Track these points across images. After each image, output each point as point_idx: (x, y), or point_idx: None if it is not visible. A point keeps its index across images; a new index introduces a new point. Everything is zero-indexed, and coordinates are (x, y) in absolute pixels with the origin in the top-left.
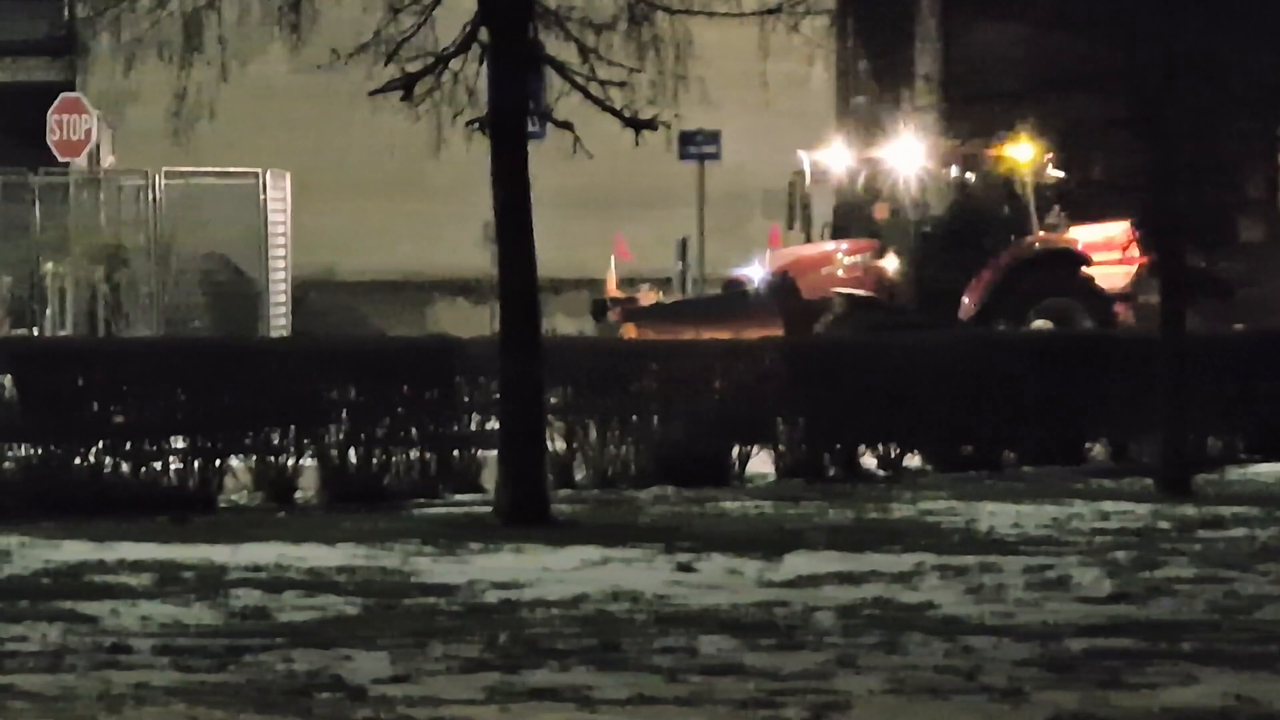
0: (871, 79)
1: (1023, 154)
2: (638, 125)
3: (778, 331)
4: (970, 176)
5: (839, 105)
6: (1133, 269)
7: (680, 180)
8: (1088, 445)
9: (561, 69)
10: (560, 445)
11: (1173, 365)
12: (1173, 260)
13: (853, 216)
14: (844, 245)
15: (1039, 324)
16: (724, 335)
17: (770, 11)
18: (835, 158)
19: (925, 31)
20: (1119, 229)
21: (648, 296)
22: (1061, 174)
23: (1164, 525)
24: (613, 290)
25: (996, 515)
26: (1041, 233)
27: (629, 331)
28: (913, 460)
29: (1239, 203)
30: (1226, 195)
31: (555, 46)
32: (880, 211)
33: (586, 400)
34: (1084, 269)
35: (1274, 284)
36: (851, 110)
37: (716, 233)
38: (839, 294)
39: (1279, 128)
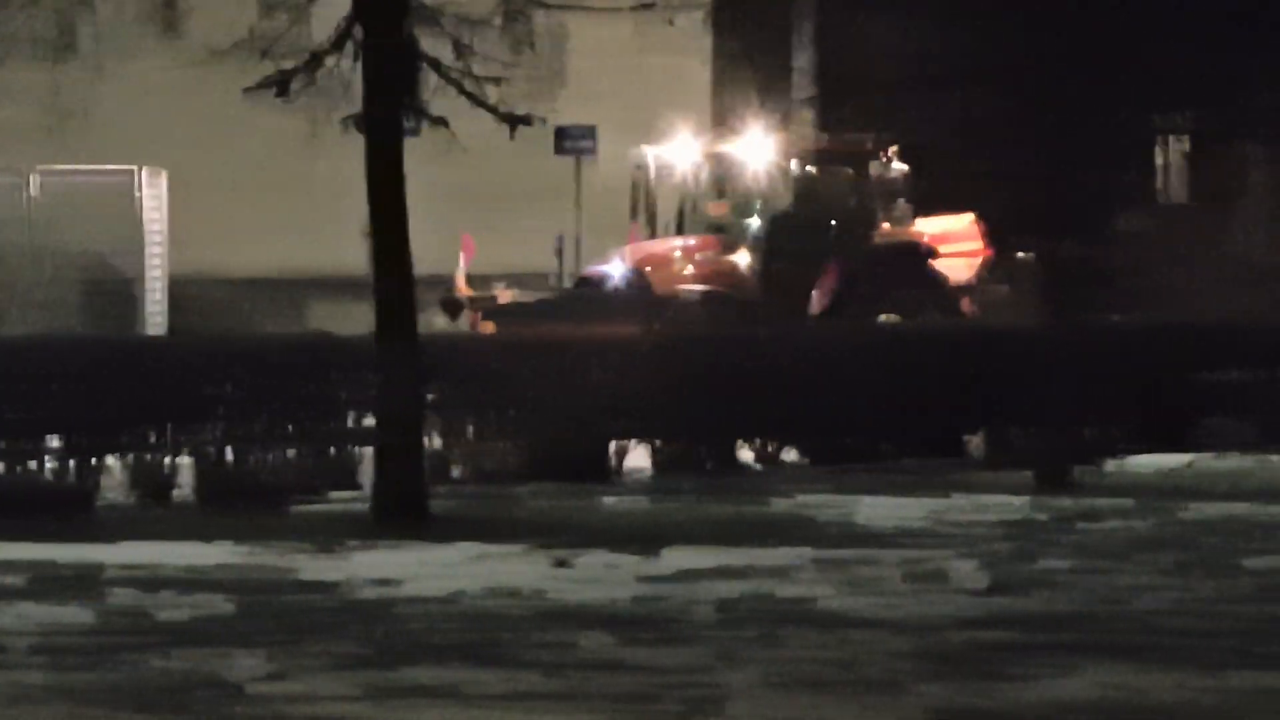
0: (748, 73)
1: (868, 148)
2: (512, 121)
3: (634, 328)
4: (818, 170)
5: (715, 99)
6: (977, 261)
7: (559, 176)
8: (966, 438)
9: (437, 65)
10: (438, 442)
11: (1051, 357)
12: (1051, 252)
13: (697, 212)
14: (692, 241)
15: (886, 318)
16: (582, 332)
17: (646, 6)
18: (679, 152)
19: (802, 25)
20: (963, 221)
21: (504, 295)
22: (905, 167)
23: (1042, 517)
24: (463, 289)
25: (874, 508)
26: (887, 226)
27: (487, 329)
28: (790, 454)
29: (1118, 193)
30: (1106, 186)
31: (431, 43)
32: (718, 208)
33: (464, 396)
34: (931, 261)
35: (1154, 274)
36: (725, 103)
37: (595, 228)
38: (692, 290)
39: (1157, 118)
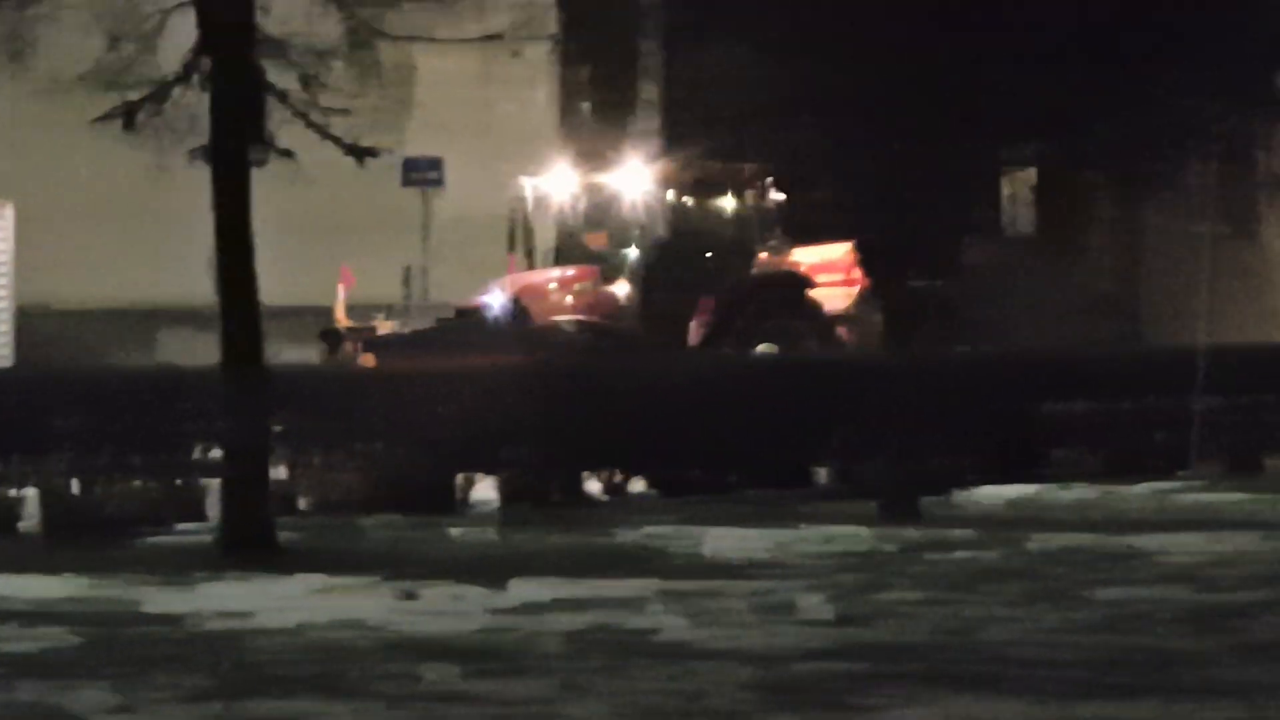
0: (595, 103)
1: (744, 177)
2: (358, 153)
3: (514, 358)
4: (694, 201)
5: (562, 130)
6: (854, 291)
7: (406, 207)
8: (813, 469)
9: (283, 97)
10: (284, 473)
11: (898, 388)
12: (897, 283)
13: (574, 242)
14: (570, 272)
15: (764, 348)
16: (464, 363)
17: (492, 38)
18: (557, 183)
19: (648, 56)
20: (840, 251)
21: (384, 326)
22: (782, 196)
23: (889, 548)
24: (342, 320)
25: (721, 539)
26: (764, 255)
27: (368, 361)
28: (638, 485)
29: (965, 225)
30: (952, 217)
31: (278, 74)
32: (596, 239)
33: (311, 427)
34: (808, 291)
35: (1000, 306)
36: (572, 134)
37: (443, 259)
38: (569, 320)
39: (1003, 149)
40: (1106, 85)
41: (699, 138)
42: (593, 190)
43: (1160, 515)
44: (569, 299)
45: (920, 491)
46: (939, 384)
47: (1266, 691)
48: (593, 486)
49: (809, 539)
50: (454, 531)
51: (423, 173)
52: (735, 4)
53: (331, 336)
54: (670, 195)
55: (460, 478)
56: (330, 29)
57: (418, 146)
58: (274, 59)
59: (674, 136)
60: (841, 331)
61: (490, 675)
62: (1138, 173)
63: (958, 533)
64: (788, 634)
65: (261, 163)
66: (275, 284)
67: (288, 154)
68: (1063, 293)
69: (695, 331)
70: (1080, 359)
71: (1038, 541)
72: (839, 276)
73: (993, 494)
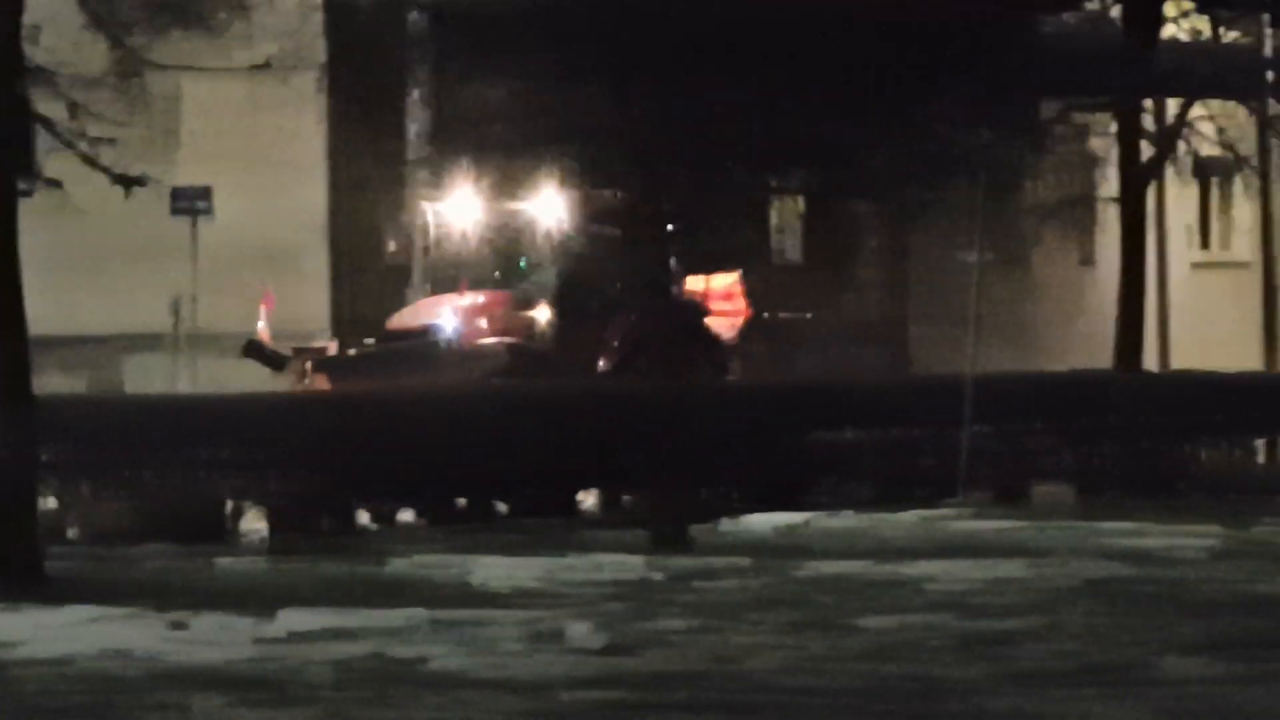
0: (364, 131)
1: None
2: (126, 182)
3: (466, 378)
4: (598, 229)
5: (331, 159)
6: (740, 320)
7: (177, 236)
8: (581, 497)
9: (50, 126)
10: (53, 502)
11: (666, 416)
12: (665, 313)
13: (476, 269)
14: (482, 298)
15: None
16: (418, 385)
17: (259, 66)
18: (459, 210)
19: (417, 86)
20: (728, 280)
21: (331, 347)
22: (670, 226)
23: (658, 577)
24: (266, 340)
25: (490, 568)
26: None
27: (320, 383)
28: (407, 514)
29: (732, 253)
30: (723, 247)
31: (45, 103)
32: (505, 265)
33: (82, 457)
34: (704, 320)
35: (770, 335)
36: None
37: (214, 288)
38: (496, 342)
39: (774, 179)
40: (870, 114)
41: (468, 167)
42: (497, 217)
43: (928, 543)
44: (485, 323)
45: (690, 520)
46: (709, 412)
47: (1033, 719)
48: (362, 516)
49: (578, 567)
50: (223, 561)
51: (191, 202)
52: (503, 34)
53: (274, 358)
54: (575, 224)
55: (230, 506)
56: (98, 58)
57: (186, 175)
58: (41, 88)
59: (443, 165)
60: (729, 360)
61: (259, 705)
62: (903, 201)
63: (727, 561)
64: (556, 663)
65: (29, 193)
66: (45, 313)
67: (55, 184)
68: (831, 321)
69: (605, 359)
70: (848, 388)
71: (806, 569)
72: (726, 306)
73: (762, 522)
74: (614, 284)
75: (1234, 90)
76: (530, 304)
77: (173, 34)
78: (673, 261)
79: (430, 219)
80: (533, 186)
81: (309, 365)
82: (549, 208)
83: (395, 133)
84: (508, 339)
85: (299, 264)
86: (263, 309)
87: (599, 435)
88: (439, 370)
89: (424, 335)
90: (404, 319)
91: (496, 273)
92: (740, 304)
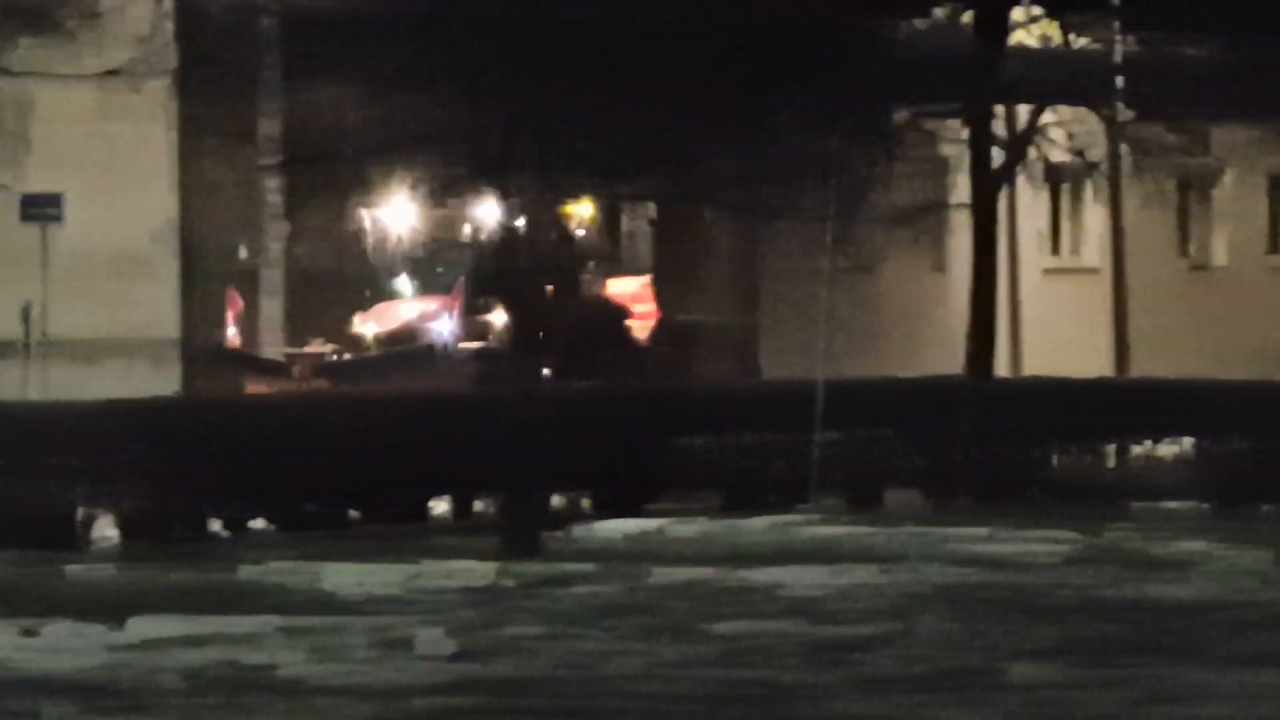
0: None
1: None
2: None
3: (461, 381)
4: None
5: (182, 165)
6: (650, 323)
7: (27, 243)
8: (431, 504)
9: None
10: None
11: (516, 423)
12: (521, 318)
13: (418, 273)
14: (433, 304)
15: None
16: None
17: (111, 73)
18: (396, 216)
19: (266, 92)
20: (639, 284)
21: (327, 351)
22: (582, 232)
23: (509, 583)
24: (235, 345)
25: (341, 575)
26: (593, 288)
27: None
28: (258, 521)
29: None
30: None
31: None
32: (448, 270)
33: None
34: (626, 323)
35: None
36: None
37: (67, 294)
38: (487, 347)
39: (622, 185)
40: (718, 119)
41: (318, 171)
42: (431, 221)
43: (780, 549)
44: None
45: (541, 526)
46: (558, 418)
47: None
48: (214, 523)
49: (429, 574)
50: (74, 568)
51: (41, 208)
52: (349, 41)
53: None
54: (516, 227)
55: (81, 514)
56: None
57: (38, 182)
58: None
59: (293, 172)
60: (645, 363)
61: (110, 712)
62: (753, 207)
63: (578, 567)
64: (407, 669)
65: None
66: None
67: None
68: (683, 329)
69: (550, 361)
70: (700, 394)
71: (658, 576)
72: (638, 309)
73: (613, 528)
74: (519, 283)
75: (1084, 96)
76: (487, 308)
77: (23, 41)
78: (592, 266)
79: (367, 224)
80: (385, 191)
81: (308, 369)
82: (487, 212)
83: (247, 139)
84: (488, 344)
85: (150, 270)
86: (230, 314)
87: (450, 441)
88: (439, 374)
89: (415, 339)
90: (384, 321)
91: (439, 269)
92: (651, 307)
